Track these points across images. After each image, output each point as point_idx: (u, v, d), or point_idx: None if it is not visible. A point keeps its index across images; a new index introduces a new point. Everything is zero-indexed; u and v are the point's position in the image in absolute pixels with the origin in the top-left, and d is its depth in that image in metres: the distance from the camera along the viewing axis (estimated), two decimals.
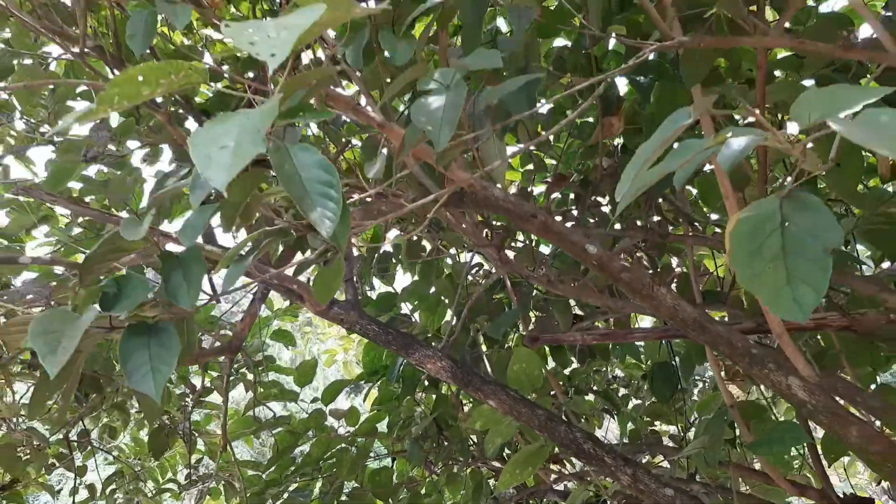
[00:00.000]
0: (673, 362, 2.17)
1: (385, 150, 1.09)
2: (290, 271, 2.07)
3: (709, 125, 1.47)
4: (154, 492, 3.35)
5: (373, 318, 1.74)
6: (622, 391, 3.45)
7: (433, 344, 2.85)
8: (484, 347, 2.90)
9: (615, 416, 3.25)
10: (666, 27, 1.18)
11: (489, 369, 2.75)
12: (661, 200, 1.93)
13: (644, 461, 2.64)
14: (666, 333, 1.57)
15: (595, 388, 3.27)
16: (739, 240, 0.68)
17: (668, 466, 2.46)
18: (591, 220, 2.58)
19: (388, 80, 1.78)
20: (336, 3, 0.66)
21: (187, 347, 0.99)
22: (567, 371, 3.15)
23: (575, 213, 2.59)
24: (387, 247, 3.05)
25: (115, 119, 2.44)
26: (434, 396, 2.97)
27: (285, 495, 2.87)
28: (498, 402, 1.56)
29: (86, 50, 1.43)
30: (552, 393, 2.68)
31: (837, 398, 1.34)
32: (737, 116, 2.20)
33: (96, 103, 0.61)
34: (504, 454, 2.91)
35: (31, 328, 0.77)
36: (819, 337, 1.83)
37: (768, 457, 1.77)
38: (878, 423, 1.48)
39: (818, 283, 0.63)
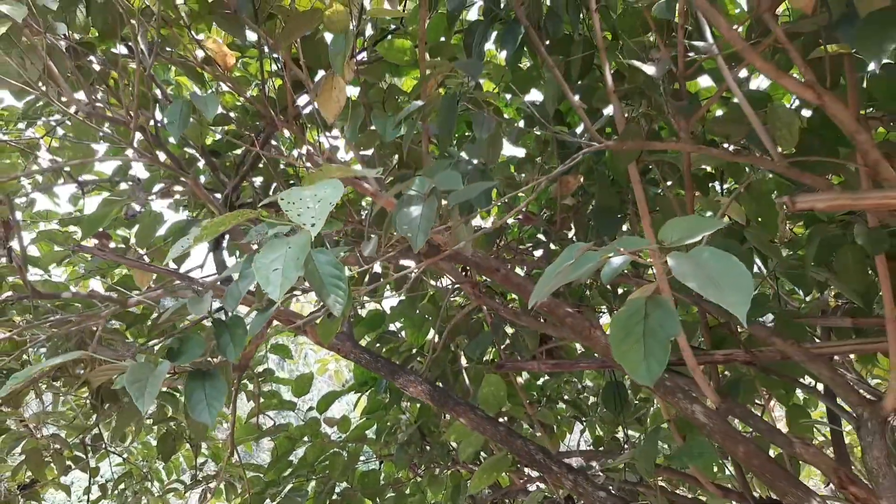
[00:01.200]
0: (622, 381, 2.51)
1: (374, 238, 1.41)
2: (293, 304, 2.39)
3: (643, 200, 1.80)
4: (160, 491, 3.65)
5: (364, 348, 2.06)
6: (591, 399, 3.78)
7: (419, 359, 3.19)
8: (464, 361, 3.21)
9: (584, 423, 3.58)
10: (594, 130, 1.51)
11: (467, 381, 3.07)
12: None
13: (611, 463, 2.98)
14: (605, 364, 1.90)
15: (566, 397, 3.60)
16: (616, 325, 1.00)
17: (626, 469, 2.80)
18: (557, 248, 2.91)
19: (378, 143, 2.11)
20: (344, 170, 0.98)
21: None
22: (540, 381, 3.48)
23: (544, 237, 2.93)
24: (376, 268, 3.36)
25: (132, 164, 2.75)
26: (418, 406, 3.28)
27: (282, 495, 3.18)
28: (468, 420, 1.89)
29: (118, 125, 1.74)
30: (527, 402, 3.04)
31: (737, 420, 1.68)
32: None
33: (192, 238, 0.93)
34: (480, 458, 3.23)
35: (125, 378, 1.08)
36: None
37: (697, 465, 2.10)
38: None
39: (662, 359, 0.95)
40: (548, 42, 2.07)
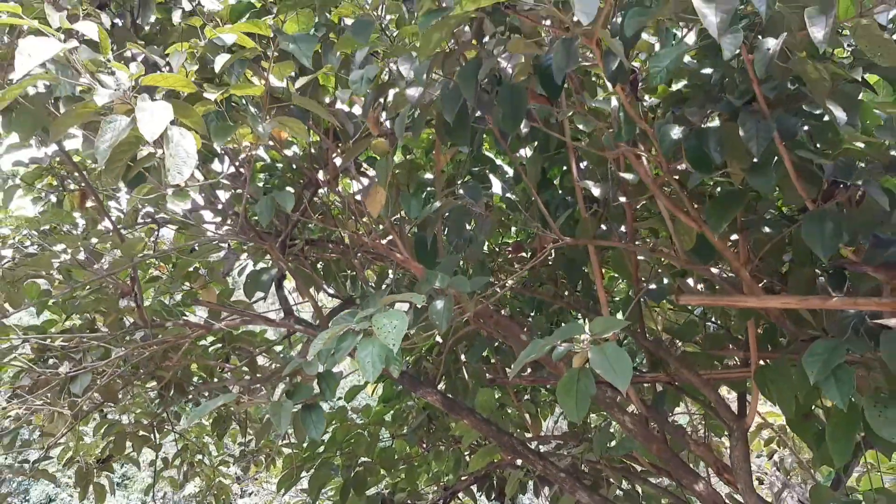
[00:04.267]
0: None
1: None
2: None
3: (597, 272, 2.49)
4: (212, 464, 4.41)
5: None
6: None
7: (428, 358, 3.93)
8: (464, 357, 3.95)
9: None
10: (556, 228, 2.20)
11: (467, 377, 3.82)
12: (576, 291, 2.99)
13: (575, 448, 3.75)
14: None
15: (549, 386, 4.35)
16: (561, 384, 1.71)
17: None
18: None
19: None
20: (405, 296, 1.69)
21: None
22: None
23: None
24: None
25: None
26: None
27: (315, 467, 3.93)
28: (469, 421, 2.63)
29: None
30: (514, 392, 3.81)
31: (656, 424, 2.42)
32: None
33: (316, 346, 1.63)
34: (477, 439, 4.00)
35: (269, 409, 1.79)
36: None
37: (636, 450, 2.85)
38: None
39: (585, 407, 1.67)
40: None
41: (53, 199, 3.46)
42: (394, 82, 1.98)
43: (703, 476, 2.27)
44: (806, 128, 1.78)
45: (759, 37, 1.59)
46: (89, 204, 3.45)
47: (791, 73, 1.59)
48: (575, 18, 1.11)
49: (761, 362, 2.27)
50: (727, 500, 2.20)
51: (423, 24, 1.35)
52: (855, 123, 1.69)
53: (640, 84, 1.92)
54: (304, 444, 3.96)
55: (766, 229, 2.09)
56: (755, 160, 1.68)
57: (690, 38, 1.79)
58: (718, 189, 2.07)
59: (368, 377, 1.58)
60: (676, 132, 1.81)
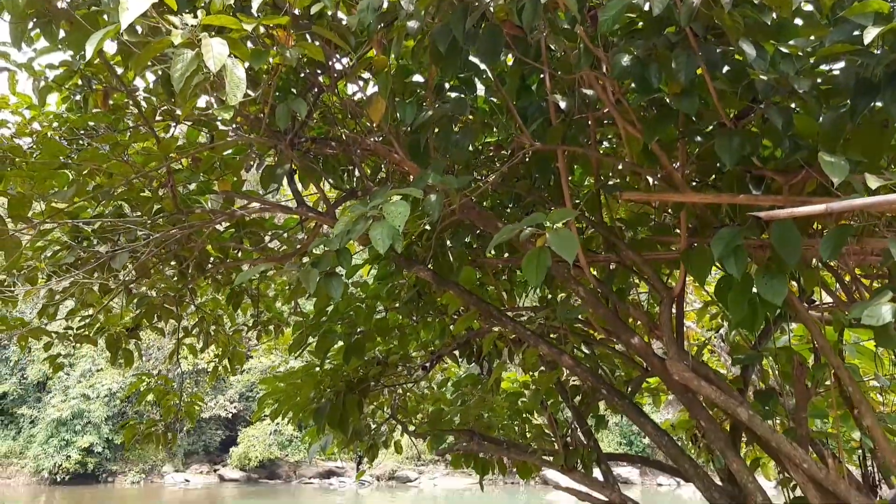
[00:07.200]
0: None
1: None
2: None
3: None
4: (226, 333, 5.04)
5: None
6: None
7: (417, 243, 4.47)
8: (449, 242, 4.49)
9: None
10: (528, 134, 2.66)
11: (451, 258, 4.38)
12: None
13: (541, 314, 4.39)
14: None
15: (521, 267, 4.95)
16: (526, 260, 2.24)
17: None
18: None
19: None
20: (406, 190, 2.18)
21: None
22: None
23: None
24: None
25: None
26: (415, 276, 4.60)
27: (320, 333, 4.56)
28: (454, 291, 3.19)
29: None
30: (492, 273, 4.39)
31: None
32: None
33: (334, 238, 2.14)
34: (460, 310, 4.62)
35: (301, 275, 2.32)
36: None
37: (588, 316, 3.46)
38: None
39: (542, 275, 2.21)
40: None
41: (78, 97, 3.81)
42: (395, 11, 2.36)
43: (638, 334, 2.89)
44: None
45: None
46: (111, 102, 3.81)
47: (712, 18, 2.01)
48: None
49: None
50: (655, 350, 2.83)
51: None
52: (764, 58, 2.13)
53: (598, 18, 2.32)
54: (311, 316, 4.58)
55: (698, 138, 2.57)
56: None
57: None
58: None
59: (380, 250, 2.09)
60: (626, 60, 2.24)
